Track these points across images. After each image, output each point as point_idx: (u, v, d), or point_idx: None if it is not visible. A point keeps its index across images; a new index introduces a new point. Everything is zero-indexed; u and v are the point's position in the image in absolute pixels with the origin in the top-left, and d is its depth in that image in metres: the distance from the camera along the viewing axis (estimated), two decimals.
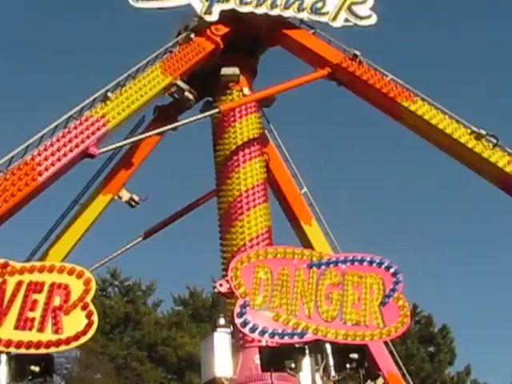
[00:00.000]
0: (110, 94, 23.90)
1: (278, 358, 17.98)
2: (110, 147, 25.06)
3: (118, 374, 48.23)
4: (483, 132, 26.08)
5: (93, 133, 23.13)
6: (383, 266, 18.85)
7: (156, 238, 31.46)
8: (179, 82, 26.14)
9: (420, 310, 48.99)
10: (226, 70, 28.01)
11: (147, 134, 27.37)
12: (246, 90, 28.51)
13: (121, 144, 26.17)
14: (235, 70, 28.12)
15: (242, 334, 22.15)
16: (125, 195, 28.63)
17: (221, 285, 20.51)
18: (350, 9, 28.70)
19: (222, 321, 24.69)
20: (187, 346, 49.84)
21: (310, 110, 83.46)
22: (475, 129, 26.24)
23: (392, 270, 18.81)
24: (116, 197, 28.47)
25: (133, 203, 28.93)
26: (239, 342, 24.07)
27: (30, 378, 16.42)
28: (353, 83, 27.90)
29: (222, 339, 24.30)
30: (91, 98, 23.63)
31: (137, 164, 28.67)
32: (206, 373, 24.86)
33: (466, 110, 27.00)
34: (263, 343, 18.14)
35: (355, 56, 27.42)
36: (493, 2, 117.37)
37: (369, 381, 27.53)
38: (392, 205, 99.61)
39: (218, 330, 24.53)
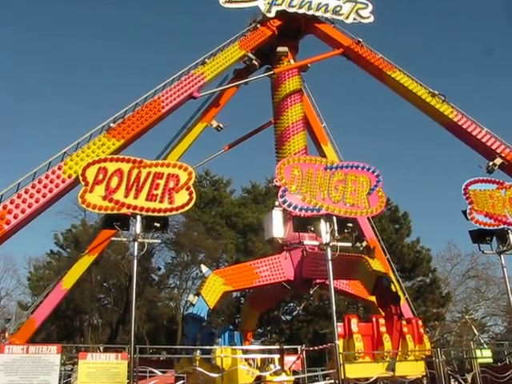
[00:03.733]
0: (207, 60, 23.82)
1: (304, 223, 18.04)
2: (206, 93, 25.05)
3: (207, 233, 48.59)
4: (436, 92, 25.60)
5: (196, 83, 23.06)
6: (371, 171, 18.67)
7: (234, 150, 31.50)
8: (249, 54, 25.81)
9: (391, 202, 48.53)
10: (280, 49, 27.83)
11: (229, 86, 27.55)
12: (292, 61, 28.32)
13: (213, 91, 26.27)
14: (285, 49, 27.96)
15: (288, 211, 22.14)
16: (214, 123, 28.68)
17: (277, 181, 20.43)
18: (357, 12, 28.09)
19: (277, 203, 24.81)
20: (249, 218, 50.01)
21: (330, 75, 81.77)
22: (431, 90, 25.74)
23: (376, 173, 18.68)
24: (209, 124, 28.59)
25: (219, 129, 28.98)
26: (288, 216, 24.21)
27: (153, 230, 16.74)
28: (357, 59, 27.30)
29: (277, 214, 24.55)
30: (194, 63, 23.47)
31: (223, 104, 28.84)
32: (267, 234, 25.24)
33: (426, 78, 26.28)
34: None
35: (359, 42, 26.90)
36: None
37: (358, 242, 27.64)
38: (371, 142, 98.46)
39: (275, 208, 24.79)
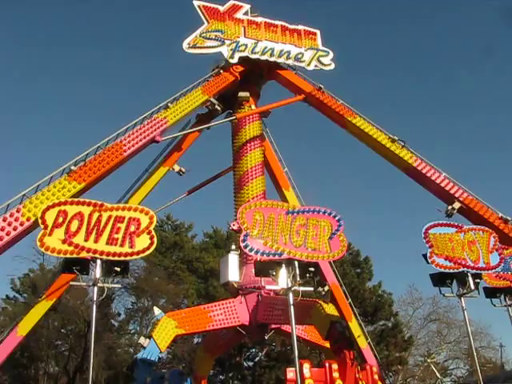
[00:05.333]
0: (169, 105, 23.86)
1: (266, 268, 17.98)
2: (168, 137, 24.96)
3: (168, 277, 48.27)
4: (396, 137, 26.06)
5: (158, 127, 23.03)
6: (332, 215, 18.80)
7: (195, 194, 31.25)
8: (212, 99, 25.99)
9: (352, 246, 49.02)
10: (241, 94, 28.02)
11: (191, 130, 27.47)
12: (253, 106, 28.50)
13: (175, 135, 26.16)
14: (247, 94, 28.16)
15: (245, 254, 22.30)
16: (176, 168, 28.40)
17: (234, 224, 20.63)
18: (318, 59, 28.62)
19: (233, 247, 24.94)
20: (211, 262, 49.79)
21: (291, 121, 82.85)
22: (391, 135, 26.20)
23: (337, 218, 18.78)
24: (171, 168, 28.33)
25: (181, 173, 28.68)
26: (244, 260, 24.27)
27: (114, 274, 16.53)
28: (318, 105, 27.61)
29: (233, 258, 24.52)
30: (157, 107, 23.53)
31: (185, 149, 28.62)
32: (222, 278, 25.09)
33: (386, 123, 26.78)
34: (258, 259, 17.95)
35: (320, 88, 27.25)
36: None
37: (319, 287, 27.68)
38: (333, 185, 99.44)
39: (231, 252, 24.76)
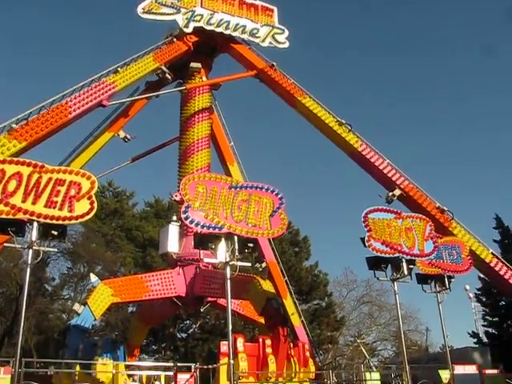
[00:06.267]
0: (119, 69, 23.51)
1: (205, 241, 18.02)
2: (116, 102, 24.76)
3: (107, 245, 47.68)
4: (343, 121, 26.44)
5: (106, 91, 22.67)
6: (274, 193, 18.93)
7: (138, 162, 30.97)
8: (163, 67, 25.67)
9: (292, 225, 49.41)
10: (193, 64, 27.77)
11: (140, 97, 27.31)
12: (204, 78, 28.42)
13: (123, 101, 26.00)
14: (199, 65, 27.94)
15: (186, 226, 22.24)
16: (122, 134, 28.17)
17: (176, 195, 20.43)
18: (273, 36, 28.65)
19: (174, 218, 24.79)
20: (150, 232, 49.36)
21: (241, 95, 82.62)
22: (339, 119, 26.52)
23: (279, 196, 18.94)
24: (116, 134, 28.02)
25: (126, 140, 28.48)
26: (184, 232, 24.22)
27: (50, 238, 16.18)
28: (269, 82, 27.77)
29: (173, 229, 24.42)
30: (106, 71, 23.14)
31: (132, 115, 28.37)
32: (162, 249, 24.99)
33: (334, 105, 27.10)
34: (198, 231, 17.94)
35: (272, 65, 27.39)
36: None
37: (257, 263, 27.92)
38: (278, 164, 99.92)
39: (171, 223, 24.67)
